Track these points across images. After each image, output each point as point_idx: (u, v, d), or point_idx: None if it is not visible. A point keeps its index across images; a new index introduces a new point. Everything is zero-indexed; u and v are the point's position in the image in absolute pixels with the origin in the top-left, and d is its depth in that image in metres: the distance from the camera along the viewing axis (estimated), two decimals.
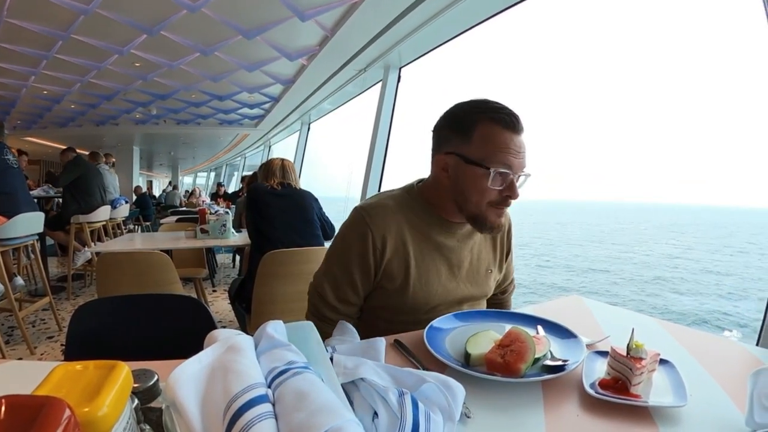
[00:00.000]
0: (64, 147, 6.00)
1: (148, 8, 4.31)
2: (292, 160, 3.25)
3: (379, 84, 5.13)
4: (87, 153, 6.76)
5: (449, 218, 1.36)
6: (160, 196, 19.21)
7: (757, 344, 1.75)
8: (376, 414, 0.69)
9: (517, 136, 1.21)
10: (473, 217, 1.28)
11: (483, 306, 1.49)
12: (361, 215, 1.33)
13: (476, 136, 1.22)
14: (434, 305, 1.35)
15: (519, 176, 1.25)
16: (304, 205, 3.04)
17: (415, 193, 1.41)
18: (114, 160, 8.39)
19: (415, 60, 4.74)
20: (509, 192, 1.23)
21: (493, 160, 1.19)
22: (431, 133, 1.36)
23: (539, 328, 1.15)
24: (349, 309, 1.38)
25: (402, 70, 4.92)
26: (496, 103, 1.25)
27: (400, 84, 4.93)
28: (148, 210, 11.24)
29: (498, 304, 1.66)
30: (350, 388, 0.76)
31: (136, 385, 0.60)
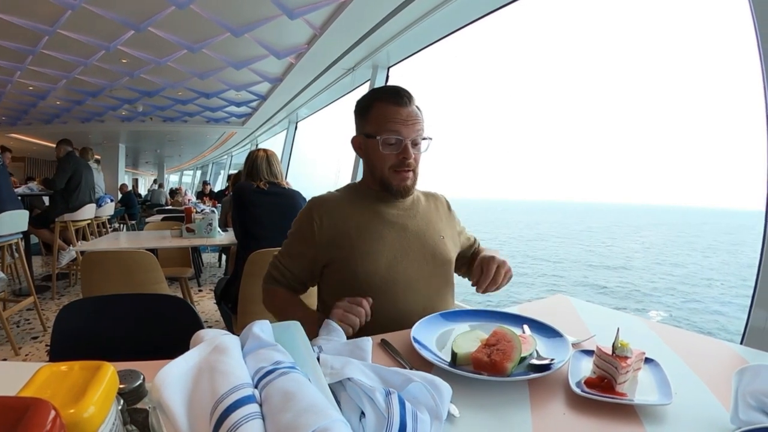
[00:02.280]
0: (50, 144, 5.93)
1: (136, 4, 4.27)
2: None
3: (368, 83, 5.13)
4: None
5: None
6: (146, 194, 19.06)
7: (741, 343, 1.77)
8: (363, 414, 0.69)
9: (404, 108, 1.43)
10: (381, 182, 1.50)
11: (447, 273, 1.57)
12: (308, 203, 1.55)
13: (371, 115, 1.47)
14: (386, 265, 1.43)
15: (415, 142, 1.45)
16: (292, 205, 3.01)
17: (354, 185, 1.63)
18: (98, 157, 8.30)
19: (403, 60, 4.75)
20: (403, 155, 1.43)
21: (383, 131, 1.42)
22: None
23: (525, 327, 1.16)
24: (285, 272, 1.54)
25: (390, 69, 4.92)
26: (390, 86, 1.50)
27: (388, 84, 4.93)
28: (133, 208, 11.16)
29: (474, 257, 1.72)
30: (337, 388, 0.76)
31: (122, 386, 0.60)
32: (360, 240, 1.44)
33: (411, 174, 1.49)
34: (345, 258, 1.44)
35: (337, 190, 1.63)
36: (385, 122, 1.42)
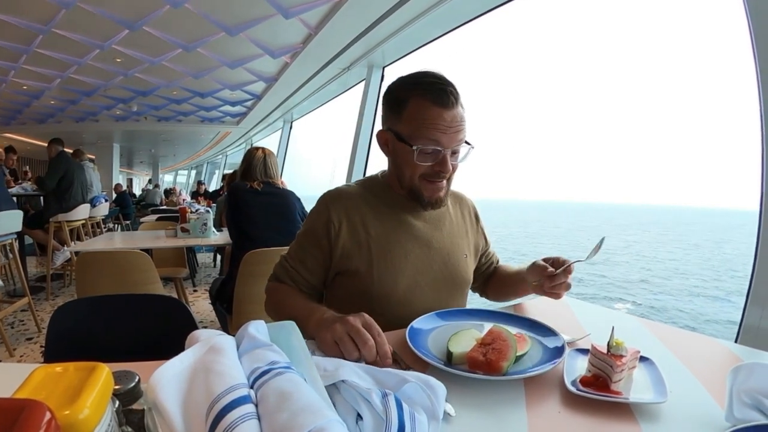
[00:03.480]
0: (45, 143, 5.91)
1: (131, 3, 4.27)
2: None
3: (363, 83, 5.12)
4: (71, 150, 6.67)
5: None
6: (141, 194, 18.99)
7: (735, 341, 1.78)
8: (359, 416, 0.69)
9: (448, 111, 1.21)
10: (410, 190, 1.33)
11: (464, 295, 1.48)
12: (324, 199, 1.37)
13: (406, 113, 1.24)
14: (404, 288, 1.32)
15: (455, 150, 1.27)
16: (286, 205, 3.01)
17: (377, 180, 1.45)
18: (92, 156, 8.29)
19: (398, 59, 4.75)
20: (440, 167, 1.25)
21: (419, 138, 1.22)
22: None
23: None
24: (296, 276, 1.36)
25: (385, 69, 4.92)
26: (432, 76, 1.26)
27: (383, 84, 4.92)
28: (128, 208, 11.11)
29: (491, 275, 1.64)
30: (331, 391, 0.75)
31: (117, 387, 0.59)
32: (380, 255, 1.31)
33: (445, 184, 1.32)
34: (360, 272, 1.30)
35: (356, 184, 1.45)
36: (423, 128, 1.21)
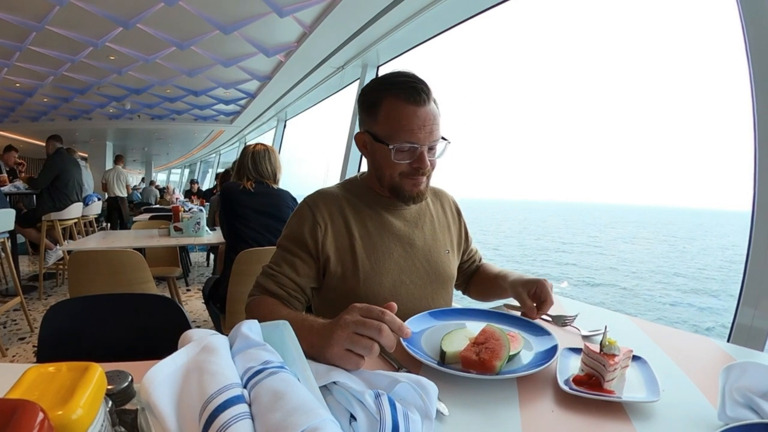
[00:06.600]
0: (37, 141, 5.88)
1: (125, 0, 4.24)
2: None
3: (357, 82, 5.12)
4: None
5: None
6: (133, 188, 18.85)
7: (728, 341, 1.79)
8: (353, 417, 0.69)
9: (421, 109, 1.23)
10: (391, 188, 1.34)
11: (448, 291, 1.49)
12: (306, 203, 1.38)
13: (381, 114, 1.26)
14: (390, 286, 1.33)
15: (432, 146, 1.28)
16: (279, 205, 2.99)
17: (357, 181, 1.46)
18: (85, 155, 8.24)
19: (393, 59, 4.74)
20: (418, 164, 1.26)
21: (395, 137, 1.23)
22: None
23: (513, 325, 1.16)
24: (285, 280, 1.31)
25: (380, 69, 4.91)
26: (403, 75, 1.28)
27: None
28: None
29: (473, 273, 1.68)
30: (323, 393, 0.75)
31: (110, 387, 0.59)
32: (365, 256, 1.31)
33: (425, 179, 1.32)
34: (346, 274, 1.31)
35: (336, 186, 1.46)
36: (398, 128, 1.23)
